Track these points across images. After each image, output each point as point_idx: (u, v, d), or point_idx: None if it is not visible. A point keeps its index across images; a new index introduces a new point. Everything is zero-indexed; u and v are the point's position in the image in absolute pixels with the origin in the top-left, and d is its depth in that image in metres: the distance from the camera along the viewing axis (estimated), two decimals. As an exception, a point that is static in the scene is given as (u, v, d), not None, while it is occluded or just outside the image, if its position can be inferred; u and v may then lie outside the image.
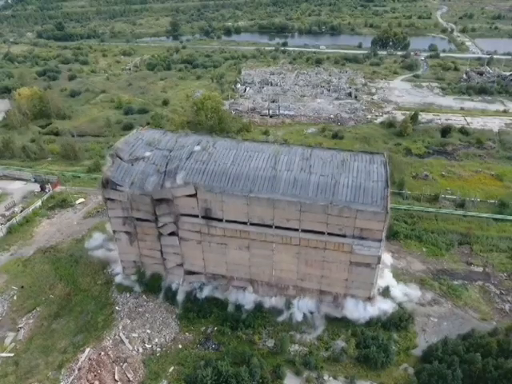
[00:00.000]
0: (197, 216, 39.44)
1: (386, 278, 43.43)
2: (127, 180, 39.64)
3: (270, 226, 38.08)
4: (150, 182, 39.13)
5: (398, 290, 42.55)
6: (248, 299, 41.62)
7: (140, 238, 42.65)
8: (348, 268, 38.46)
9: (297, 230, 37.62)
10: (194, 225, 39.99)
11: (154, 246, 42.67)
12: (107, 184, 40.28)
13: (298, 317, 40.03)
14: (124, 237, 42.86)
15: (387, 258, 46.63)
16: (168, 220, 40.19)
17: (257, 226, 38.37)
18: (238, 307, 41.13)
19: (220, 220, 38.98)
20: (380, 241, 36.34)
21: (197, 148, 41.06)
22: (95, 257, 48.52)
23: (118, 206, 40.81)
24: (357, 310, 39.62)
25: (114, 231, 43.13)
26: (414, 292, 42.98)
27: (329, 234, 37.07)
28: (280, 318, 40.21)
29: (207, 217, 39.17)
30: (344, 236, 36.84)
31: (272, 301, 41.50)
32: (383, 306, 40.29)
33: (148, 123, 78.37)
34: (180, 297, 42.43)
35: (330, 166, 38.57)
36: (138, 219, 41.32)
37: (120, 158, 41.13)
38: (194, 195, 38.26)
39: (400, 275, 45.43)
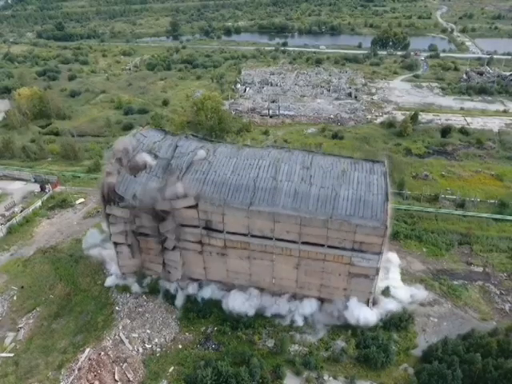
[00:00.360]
0: (197, 227, 39.55)
1: (393, 280, 43.19)
2: (130, 194, 39.43)
3: (270, 238, 38.23)
4: (151, 195, 38.79)
5: (405, 292, 42.15)
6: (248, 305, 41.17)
7: (142, 251, 42.84)
8: (347, 278, 38.62)
9: (296, 242, 37.80)
10: (195, 235, 40.08)
11: (156, 260, 42.82)
12: (108, 197, 40.06)
13: (299, 321, 39.72)
14: (126, 250, 42.92)
15: (394, 257, 46.34)
16: (171, 236, 40.24)
17: (257, 237, 38.51)
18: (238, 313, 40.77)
19: (220, 231, 39.11)
20: (379, 253, 36.49)
21: (197, 157, 40.70)
22: (91, 255, 48.25)
23: (120, 220, 40.81)
24: (360, 317, 39.16)
25: (115, 244, 43.05)
26: (421, 293, 42.74)
27: (328, 246, 37.23)
28: (282, 323, 39.94)
29: (208, 228, 39.31)
30: (343, 249, 37.03)
31: (273, 306, 41.11)
32: (388, 307, 40.22)
33: (148, 123, 78.34)
34: (179, 301, 42.07)
35: (330, 177, 38.57)
36: (140, 234, 41.47)
37: (120, 163, 40.86)
38: (195, 207, 38.26)
39: (400, 275, 45.36)
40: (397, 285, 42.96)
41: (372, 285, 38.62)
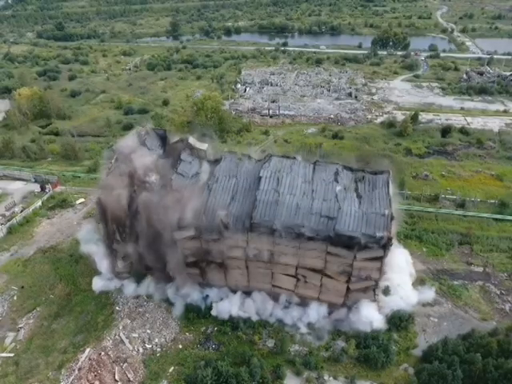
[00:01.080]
0: (198, 253, 39.82)
1: (403, 281, 42.52)
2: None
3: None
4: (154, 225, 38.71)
5: (413, 294, 41.72)
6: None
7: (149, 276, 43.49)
8: (346, 293, 38.68)
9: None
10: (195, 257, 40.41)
11: (162, 286, 43.15)
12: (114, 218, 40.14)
13: (303, 329, 39.18)
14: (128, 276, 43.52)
15: (406, 255, 45.28)
16: (176, 273, 40.66)
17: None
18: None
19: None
20: (379, 277, 36.93)
21: (198, 184, 39.78)
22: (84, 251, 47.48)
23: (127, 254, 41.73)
24: (370, 323, 38.81)
25: (119, 273, 43.48)
26: (429, 294, 42.58)
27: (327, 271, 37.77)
28: (285, 329, 39.50)
29: (209, 253, 39.54)
30: (343, 273, 37.43)
31: (277, 313, 40.62)
32: (394, 309, 40.06)
33: (147, 123, 78.16)
34: (178, 310, 41.39)
35: (332, 191, 38.35)
36: (147, 267, 41.89)
37: (130, 181, 40.16)
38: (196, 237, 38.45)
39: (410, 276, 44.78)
40: (406, 287, 42.15)
41: (371, 296, 38.61)
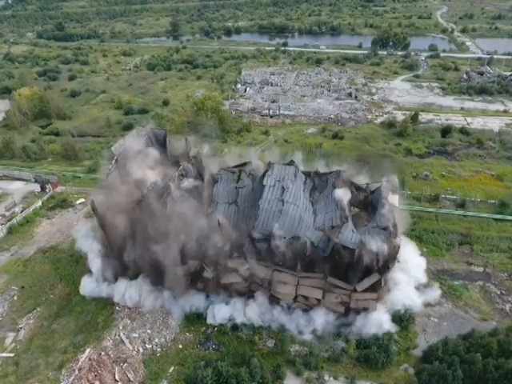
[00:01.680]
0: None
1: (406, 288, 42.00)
2: None
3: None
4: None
5: (418, 296, 41.34)
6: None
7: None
8: (346, 311, 38.78)
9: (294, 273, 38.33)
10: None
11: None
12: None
13: (307, 335, 38.67)
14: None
15: (413, 253, 44.72)
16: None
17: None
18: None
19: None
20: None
21: (200, 208, 38.90)
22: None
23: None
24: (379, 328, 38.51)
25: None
26: (434, 294, 42.45)
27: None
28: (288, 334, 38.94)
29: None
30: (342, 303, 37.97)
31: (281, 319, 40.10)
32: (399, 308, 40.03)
33: (147, 124, 78.13)
34: (176, 316, 40.89)
35: (333, 203, 38.40)
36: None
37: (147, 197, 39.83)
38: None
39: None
40: (410, 288, 41.62)
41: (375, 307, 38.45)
